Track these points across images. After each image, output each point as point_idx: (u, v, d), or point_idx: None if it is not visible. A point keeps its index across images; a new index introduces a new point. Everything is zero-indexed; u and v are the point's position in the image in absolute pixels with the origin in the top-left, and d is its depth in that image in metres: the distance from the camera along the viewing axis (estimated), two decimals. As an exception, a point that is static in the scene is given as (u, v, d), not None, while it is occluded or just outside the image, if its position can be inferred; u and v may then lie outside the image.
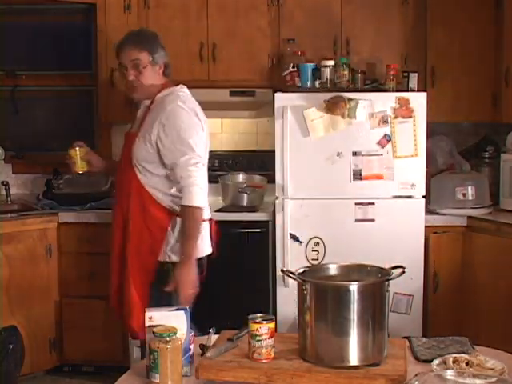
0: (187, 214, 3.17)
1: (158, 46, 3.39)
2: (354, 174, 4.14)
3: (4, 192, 4.86)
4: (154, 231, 3.29)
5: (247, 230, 4.39)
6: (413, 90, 4.19)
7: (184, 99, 3.32)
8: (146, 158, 3.27)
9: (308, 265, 3.94)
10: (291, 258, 4.17)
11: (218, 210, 4.51)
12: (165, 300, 3.08)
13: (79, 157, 3.56)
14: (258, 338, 2.27)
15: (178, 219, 3.26)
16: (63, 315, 4.50)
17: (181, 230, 3.24)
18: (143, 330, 2.99)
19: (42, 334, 4.40)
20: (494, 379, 2.09)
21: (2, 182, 4.85)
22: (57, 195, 4.70)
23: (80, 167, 3.58)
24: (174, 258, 3.28)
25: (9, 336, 3.50)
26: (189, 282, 3.14)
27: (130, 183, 3.30)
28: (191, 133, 3.24)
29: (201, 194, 3.18)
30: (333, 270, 2.48)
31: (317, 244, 4.19)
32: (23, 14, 5.05)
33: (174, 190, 3.27)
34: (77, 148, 3.56)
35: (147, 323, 2.33)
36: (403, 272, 2.35)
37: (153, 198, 3.28)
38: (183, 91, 3.39)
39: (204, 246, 3.40)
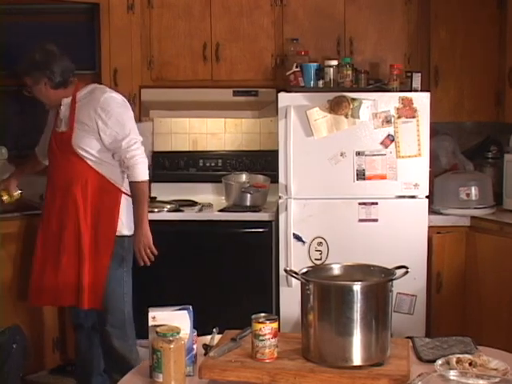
0: (137, 188, 3.63)
1: (35, 67, 3.70)
2: (357, 174, 4.14)
3: (8, 191, 4.86)
4: (111, 210, 3.67)
5: (250, 230, 4.39)
6: (416, 90, 4.18)
7: (111, 90, 3.77)
8: (92, 146, 3.62)
9: (311, 265, 3.94)
10: (294, 257, 4.17)
11: (222, 210, 4.52)
12: (122, 268, 3.75)
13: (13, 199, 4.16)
14: (261, 337, 2.27)
15: (124, 196, 3.69)
16: (66, 315, 4.49)
17: (128, 205, 3.68)
18: (99, 300, 3.67)
19: (45, 333, 4.41)
20: (497, 379, 2.09)
21: (6, 182, 4.85)
22: (60, 195, 4.70)
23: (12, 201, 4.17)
24: (126, 232, 3.71)
25: (13, 336, 3.51)
26: (145, 243, 3.64)
27: (80, 173, 3.64)
28: (127, 116, 3.67)
29: (145, 169, 3.64)
30: (336, 269, 2.48)
31: (320, 244, 4.19)
32: (26, 14, 5.05)
33: (121, 170, 3.68)
34: (14, 194, 4.14)
35: (150, 323, 2.33)
36: (406, 272, 2.35)
37: (107, 180, 3.66)
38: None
39: (130, 223, 3.72)
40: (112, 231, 3.67)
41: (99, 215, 3.67)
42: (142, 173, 3.63)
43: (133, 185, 3.64)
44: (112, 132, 3.59)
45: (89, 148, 3.62)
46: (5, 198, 4.11)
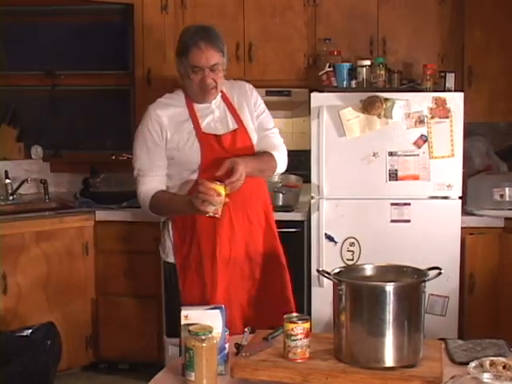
0: (271, 162, 3.21)
1: (224, 43, 3.18)
2: (389, 175, 4.13)
3: (42, 190, 4.92)
4: (271, 221, 3.30)
5: (282, 230, 4.34)
6: (450, 90, 4.16)
7: None
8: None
9: (343, 265, 3.92)
10: (326, 258, 4.16)
11: (253, 210, 4.51)
12: None
13: (224, 198, 2.82)
14: (293, 337, 2.27)
15: None
16: (99, 312, 4.54)
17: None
18: None
19: (78, 330, 4.45)
20: (531, 382, 2.07)
21: (41, 181, 4.92)
22: (94, 194, 4.75)
23: (220, 211, 2.83)
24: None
25: (47, 332, 3.57)
26: (243, 171, 2.93)
27: (257, 182, 3.18)
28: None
29: (285, 164, 3.32)
30: (368, 270, 2.47)
31: (352, 244, 4.18)
32: (62, 15, 5.11)
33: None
34: (227, 187, 2.84)
35: (183, 322, 2.34)
36: (439, 273, 2.33)
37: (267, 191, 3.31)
38: None
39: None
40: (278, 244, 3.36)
41: (268, 229, 3.28)
42: (283, 164, 3.31)
43: (273, 161, 3.21)
44: (261, 122, 3.24)
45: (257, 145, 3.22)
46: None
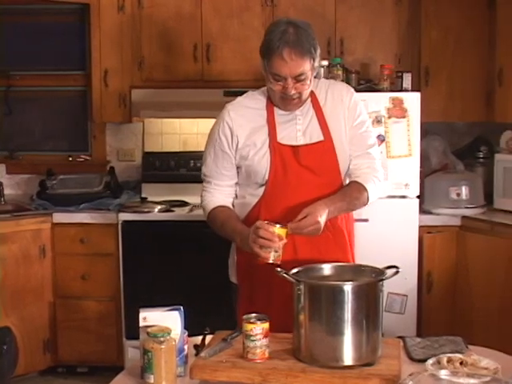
0: (362, 198, 2.73)
1: (315, 46, 2.65)
2: (348, 174, 4.14)
3: (-2, 192, 4.86)
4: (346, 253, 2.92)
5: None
6: (406, 90, 4.19)
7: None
8: (346, 160, 2.77)
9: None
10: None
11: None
12: None
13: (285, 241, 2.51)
14: (252, 338, 2.26)
15: None
16: (57, 316, 4.49)
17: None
18: None
19: (35, 334, 4.40)
20: (487, 378, 2.09)
21: (-4, 183, 4.85)
22: (50, 196, 4.69)
23: (280, 256, 2.51)
24: None
25: (2, 337, 3.51)
26: (318, 220, 2.52)
27: None
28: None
29: (380, 194, 2.84)
30: (327, 270, 2.47)
31: (311, 244, 4.18)
32: (17, 15, 5.05)
33: None
34: (288, 227, 2.51)
35: (141, 323, 2.32)
36: (397, 272, 2.34)
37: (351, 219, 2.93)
38: None
39: None
40: None
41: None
42: (377, 196, 2.81)
43: (364, 191, 2.73)
44: (359, 136, 2.76)
45: (345, 163, 2.76)
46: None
